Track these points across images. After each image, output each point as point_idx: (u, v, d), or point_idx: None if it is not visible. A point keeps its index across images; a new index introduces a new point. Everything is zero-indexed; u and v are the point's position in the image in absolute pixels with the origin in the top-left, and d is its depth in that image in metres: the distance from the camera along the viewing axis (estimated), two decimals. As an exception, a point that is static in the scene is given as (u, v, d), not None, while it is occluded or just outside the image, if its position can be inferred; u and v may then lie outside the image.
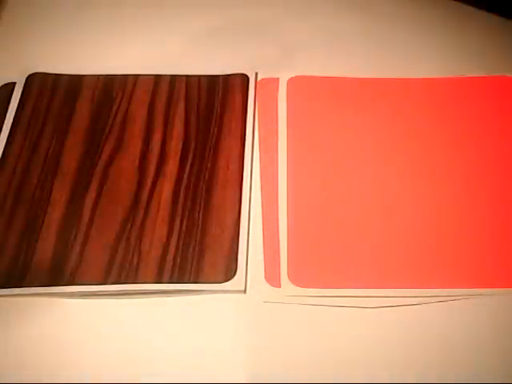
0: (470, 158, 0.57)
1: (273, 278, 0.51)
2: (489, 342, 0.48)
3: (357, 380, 0.47)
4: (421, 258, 0.52)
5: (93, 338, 0.48)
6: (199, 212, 0.54)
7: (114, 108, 0.61)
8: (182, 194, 0.55)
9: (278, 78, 0.63)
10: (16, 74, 0.63)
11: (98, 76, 0.63)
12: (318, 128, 0.60)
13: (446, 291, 0.50)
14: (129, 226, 0.54)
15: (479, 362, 0.47)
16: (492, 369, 0.47)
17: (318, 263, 0.52)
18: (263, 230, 0.54)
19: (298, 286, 0.51)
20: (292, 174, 0.57)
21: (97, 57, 0.65)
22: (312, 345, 0.48)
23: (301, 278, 0.51)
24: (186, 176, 0.56)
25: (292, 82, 0.63)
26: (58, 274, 0.51)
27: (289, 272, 0.51)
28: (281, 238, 0.53)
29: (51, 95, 0.62)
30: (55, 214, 0.54)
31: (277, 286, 0.51)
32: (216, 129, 0.59)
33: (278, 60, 0.64)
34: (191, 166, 0.57)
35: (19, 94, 0.61)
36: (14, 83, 0.62)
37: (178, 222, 0.54)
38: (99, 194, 0.55)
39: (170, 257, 0.52)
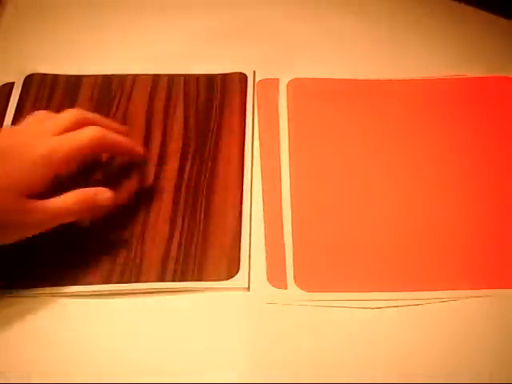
0: (470, 158, 0.58)
1: (275, 279, 0.51)
2: (490, 343, 0.48)
3: (359, 381, 0.46)
4: (423, 261, 0.52)
5: (94, 337, 0.48)
6: (201, 210, 0.54)
7: (113, 108, 0.60)
8: (183, 193, 0.55)
9: (277, 79, 0.63)
10: (14, 74, 0.63)
11: (97, 76, 0.63)
12: (319, 130, 0.60)
13: (447, 293, 0.50)
14: (131, 225, 0.53)
15: (480, 363, 0.47)
16: (493, 369, 0.47)
17: (322, 267, 0.52)
18: (265, 230, 0.53)
19: (303, 289, 0.50)
20: (294, 175, 0.56)
21: (95, 57, 0.65)
22: (313, 345, 0.48)
23: (306, 281, 0.51)
24: (186, 175, 0.56)
25: (292, 84, 0.62)
26: (60, 274, 0.51)
27: (295, 276, 0.51)
28: (285, 241, 0.53)
29: (50, 95, 0.61)
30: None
31: (279, 287, 0.50)
32: (215, 127, 0.59)
33: (277, 61, 0.64)
34: (191, 164, 0.57)
35: (18, 94, 0.61)
36: (13, 83, 0.62)
37: (179, 221, 0.53)
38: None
39: (172, 255, 0.51)
